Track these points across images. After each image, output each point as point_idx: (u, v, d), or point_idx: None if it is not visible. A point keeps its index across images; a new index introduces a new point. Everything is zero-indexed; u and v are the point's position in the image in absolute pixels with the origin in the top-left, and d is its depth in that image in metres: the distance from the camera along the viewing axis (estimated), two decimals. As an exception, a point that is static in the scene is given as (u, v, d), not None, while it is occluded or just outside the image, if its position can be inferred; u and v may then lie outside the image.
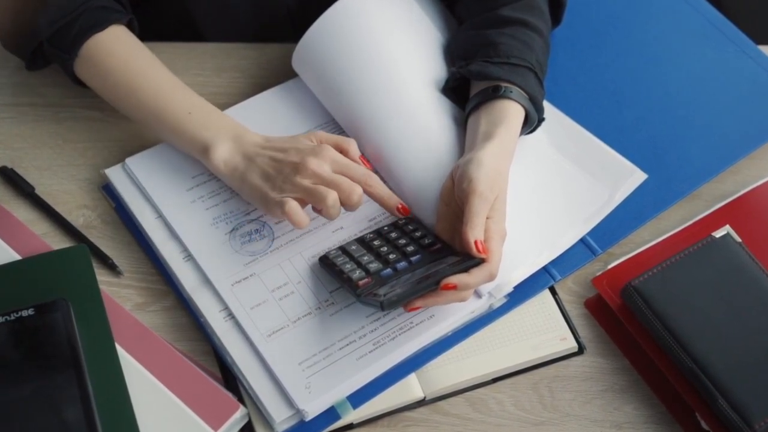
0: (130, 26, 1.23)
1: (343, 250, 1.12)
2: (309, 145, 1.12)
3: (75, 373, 1.02)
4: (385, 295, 1.02)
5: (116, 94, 1.19)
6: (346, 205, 1.10)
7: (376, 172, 1.18)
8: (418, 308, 1.06)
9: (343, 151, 1.13)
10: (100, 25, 1.18)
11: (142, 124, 1.20)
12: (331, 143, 1.14)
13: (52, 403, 1.00)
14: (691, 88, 1.31)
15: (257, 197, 1.12)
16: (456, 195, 1.09)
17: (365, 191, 1.11)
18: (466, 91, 1.19)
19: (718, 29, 1.36)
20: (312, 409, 1.04)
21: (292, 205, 1.09)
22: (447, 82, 1.21)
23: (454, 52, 1.23)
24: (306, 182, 1.09)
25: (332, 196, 1.08)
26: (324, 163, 1.10)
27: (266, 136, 1.16)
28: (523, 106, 1.15)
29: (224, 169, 1.13)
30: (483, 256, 1.04)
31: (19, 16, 1.26)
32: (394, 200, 1.12)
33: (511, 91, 1.14)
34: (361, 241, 1.12)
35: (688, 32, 1.36)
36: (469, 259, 1.05)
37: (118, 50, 1.19)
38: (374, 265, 1.09)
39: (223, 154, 1.14)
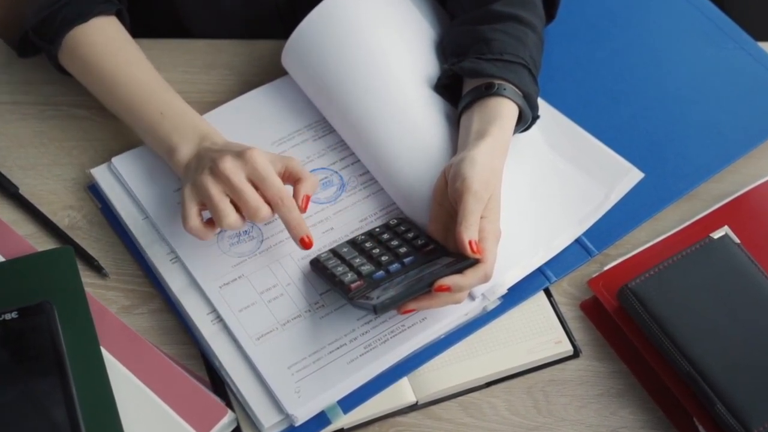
0: (121, 17, 1.23)
1: (334, 252, 1.11)
2: (243, 147, 1.09)
3: (59, 378, 1.01)
4: (377, 298, 1.02)
5: (96, 88, 1.19)
6: (250, 220, 1.07)
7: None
8: (411, 311, 1.05)
9: (296, 182, 1.10)
10: (84, 17, 1.18)
11: (121, 119, 1.20)
12: (294, 173, 1.10)
13: (36, 408, 1.00)
14: (689, 86, 1.31)
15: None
16: (449, 194, 1.09)
17: (276, 211, 1.07)
18: (459, 88, 1.19)
19: (717, 26, 1.36)
20: (301, 414, 1.04)
21: (192, 225, 1.07)
22: (439, 79, 1.21)
23: (446, 49, 1.23)
24: (213, 189, 1.06)
25: (228, 220, 1.06)
26: (240, 169, 1.06)
27: (229, 141, 1.13)
28: (516, 103, 1.14)
29: (183, 172, 1.12)
30: (477, 256, 1.04)
31: (13, 4, 1.27)
32: (301, 230, 1.08)
33: (505, 89, 1.14)
34: (352, 243, 1.12)
35: (686, 28, 1.36)
36: (463, 260, 1.04)
37: (100, 43, 1.19)
38: (366, 268, 1.08)
39: (184, 157, 1.12)
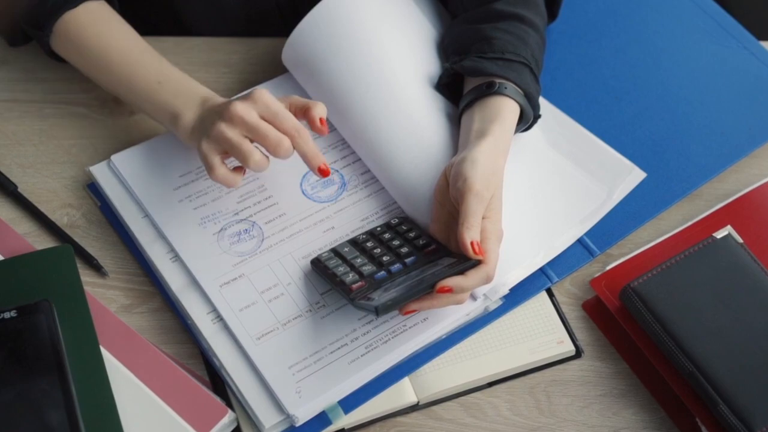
0: (110, 1, 1.24)
1: (335, 252, 1.12)
2: (247, 93, 1.12)
3: (58, 377, 1.01)
4: (379, 299, 1.02)
5: (92, 68, 1.20)
6: (274, 155, 1.10)
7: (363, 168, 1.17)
8: (413, 311, 1.05)
9: (306, 111, 1.12)
10: (73, 2, 1.19)
11: (119, 96, 1.21)
12: (300, 106, 1.13)
13: (35, 408, 1.00)
14: (692, 85, 1.31)
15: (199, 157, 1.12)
16: (451, 194, 1.09)
17: (293, 143, 1.09)
18: (460, 87, 1.19)
19: (720, 24, 1.36)
20: (302, 414, 1.04)
21: (219, 173, 1.09)
22: (440, 78, 1.21)
23: (447, 47, 1.23)
24: (230, 133, 1.08)
25: (255, 158, 1.08)
26: (252, 108, 1.09)
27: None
28: (518, 102, 1.14)
29: (189, 136, 1.14)
30: (479, 257, 1.04)
31: None
32: (318, 159, 1.10)
33: (506, 88, 1.14)
34: (353, 242, 1.12)
35: (688, 27, 1.36)
36: (465, 261, 1.04)
37: (91, 24, 1.20)
38: (368, 268, 1.08)
39: (189, 121, 1.14)
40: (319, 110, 1.12)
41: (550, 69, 1.29)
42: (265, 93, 1.10)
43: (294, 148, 1.09)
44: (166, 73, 1.18)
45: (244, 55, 1.33)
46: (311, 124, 1.12)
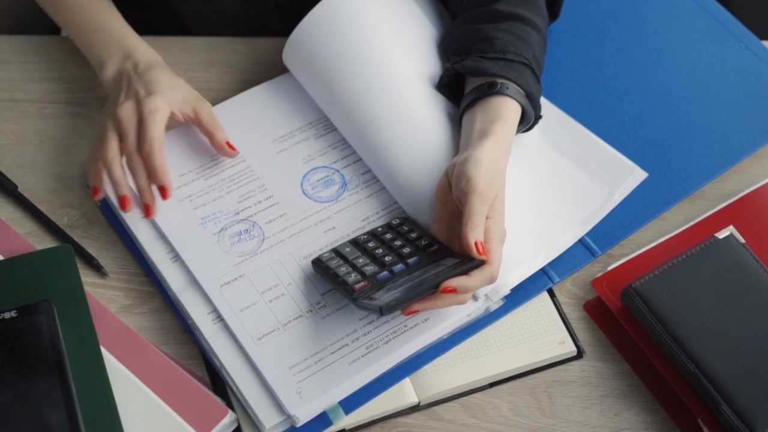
0: None
1: (336, 252, 1.12)
2: (150, 89, 1.16)
3: (59, 377, 1.02)
4: (383, 299, 1.02)
5: (47, 8, 1.26)
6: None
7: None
8: (416, 312, 1.05)
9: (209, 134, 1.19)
10: None
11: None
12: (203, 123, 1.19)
13: (35, 408, 1.00)
14: (694, 85, 1.31)
15: None
16: (453, 195, 1.09)
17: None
18: (461, 87, 1.19)
19: (722, 24, 1.36)
20: (303, 414, 1.04)
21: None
22: (441, 78, 1.21)
23: (448, 48, 1.23)
24: (107, 122, 1.15)
25: (110, 154, 1.14)
26: (132, 120, 1.15)
27: (153, 63, 1.20)
28: (519, 102, 1.14)
29: (108, 89, 1.20)
30: (483, 257, 1.04)
31: None
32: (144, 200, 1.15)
33: (507, 88, 1.14)
34: (354, 243, 1.12)
35: (690, 27, 1.36)
36: (468, 261, 1.04)
37: None
38: (370, 268, 1.08)
39: (108, 75, 1.20)
40: (220, 136, 1.18)
41: (551, 69, 1.28)
42: (154, 112, 1.15)
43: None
44: (104, 22, 1.22)
45: (245, 55, 1.33)
46: (215, 146, 1.19)
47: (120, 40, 1.21)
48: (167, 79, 1.19)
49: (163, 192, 1.13)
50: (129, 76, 1.18)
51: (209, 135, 1.19)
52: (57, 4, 1.24)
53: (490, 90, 1.14)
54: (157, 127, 1.13)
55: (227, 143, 1.18)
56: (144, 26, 1.27)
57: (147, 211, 1.14)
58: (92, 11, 1.23)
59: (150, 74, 1.18)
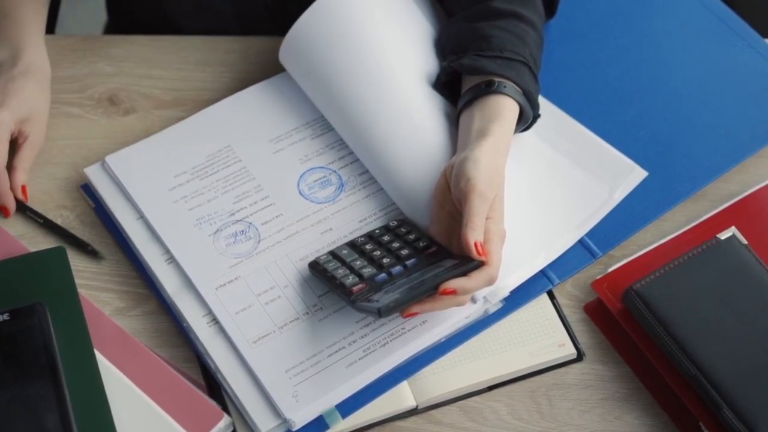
0: None
1: (333, 254, 1.12)
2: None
3: (52, 381, 1.02)
4: (381, 302, 1.02)
5: None
6: None
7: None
8: (415, 314, 1.05)
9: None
10: None
11: None
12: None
13: (28, 412, 1.00)
14: (696, 84, 1.31)
15: None
16: (453, 195, 1.09)
17: None
18: (459, 86, 1.19)
19: (724, 23, 1.36)
20: (299, 418, 1.04)
21: None
22: (438, 76, 1.21)
23: (445, 46, 1.23)
24: None
25: None
26: None
27: (31, 69, 1.21)
28: (517, 101, 1.14)
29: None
30: (483, 258, 1.04)
31: None
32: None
33: (505, 86, 1.14)
34: (352, 245, 1.12)
35: (693, 25, 1.36)
36: (467, 262, 1.04)
37: None
38: (368, 270, 1.08)
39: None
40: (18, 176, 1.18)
41: (552, 68, 1.28)
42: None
43: None
44: (16, 9, 1.22)
45: (241, 54, 1.33)
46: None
47: (19, 33, 1.22)
48: (29, 89, 1.20)
49: (4, 211, 1.17)
50: (2, 75, 1.20)
51: (12, 167, 1.19)
52: None
53: (488, 89, 1.14)
54: None
55: (22, 187, 1.19)
56: (134, 26, 1.27)
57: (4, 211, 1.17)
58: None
59: (16, 81, 1.20)
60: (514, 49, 1.17)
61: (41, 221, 1.17)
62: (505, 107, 1.13)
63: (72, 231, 1.17)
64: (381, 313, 1.00)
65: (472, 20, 1.21)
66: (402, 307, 1.03)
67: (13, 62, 1.21)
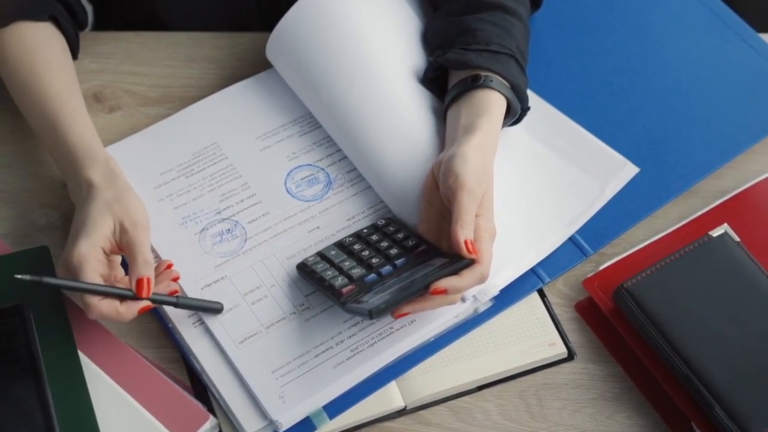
0: (58, 24, 1.20)
1: (321, 255, 1.11)
2: (68, 245, 1.06)
3: (35, 383, 1.01)
4: (372, 303, 1.02)
5: (14, 98, 1.18)
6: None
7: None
8: (406, 314, 1.05)
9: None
10: (3, 21, 1.17)
11: None
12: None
13: (11, 414, 1.00)
14: (689, 79, 1.30)
15: None
16: (441, 192, 1.08)
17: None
18: (446, 81, 1.19)
19: (718, 17, 1.35)
20: (286, 419, 1.04)
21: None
22: (425, 72, 1.20)
23: (431, 41, 1.23)
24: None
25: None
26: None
27: (92, 185, 1.09)
28: (504, 95, 1.14)
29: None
30: (473, 256, 1.04)
31: None
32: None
33: (492, 80, 1.13)
34: (340, 245, 1.12)
35: (686, 20, 1.36)
36: (457, 261, 1.04)
37: (11, 50, 1.17)
38: (357, 271, 1.08)
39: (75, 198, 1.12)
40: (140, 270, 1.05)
41: (544, 63, 1.28)
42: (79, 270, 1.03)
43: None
44: (59, 143, 1.13)
45: (228, 51, 1.32)
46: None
47: (74, 168, 1.11)
48: (95, 210, 1.07)
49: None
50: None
51: (130, 261, 1.06)
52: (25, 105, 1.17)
53: (474, 83, 1.13)
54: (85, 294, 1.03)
55: (147, 280, 1.04)
56: (121, 23, 1.26)
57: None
58: (46, 128, 1.14)
59: (82, 210, 1.08)
60: (501, 41, 1.16)
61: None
62: (493, 101, 1.13)
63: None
64: (372, 315, 1.00)
65: (457, 13, 1.20)
66: (393, 308, 1.03)
67: (76, 191, 1.11)
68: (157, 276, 1.06)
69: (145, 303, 1.04)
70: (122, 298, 1.03)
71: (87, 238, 1.04)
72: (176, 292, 1.07)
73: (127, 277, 1.06)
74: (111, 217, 1.06)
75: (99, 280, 1.03)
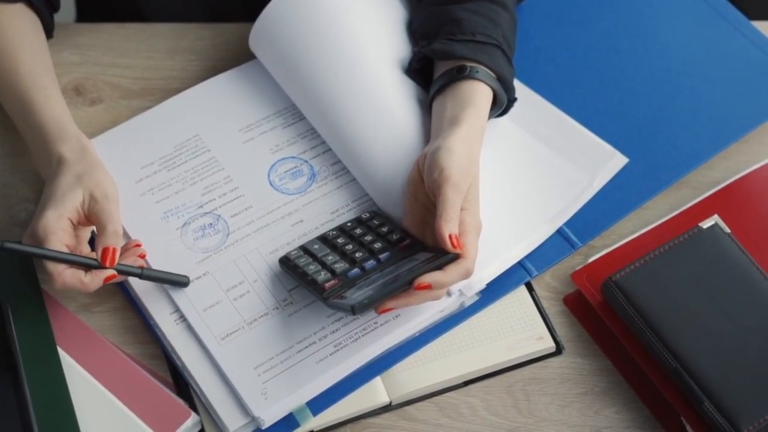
0: (34, 7, 1.20)
1: (304, 249, 1.11)
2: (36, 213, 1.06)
3: (12, 380, 1.01)
4: (355, 298, 1.01)
5: None
6: None
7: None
8: (390, 310, 1.04)
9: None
10: None
11: None
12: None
13: (-12, 412, 0.99)
14: (680, 68, 1.30)
15: None
16: (426, 186, 1.08)
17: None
18: (431, 71, 1.18)
19: (709, 4, 1.35)
20: (268, 416, 1.03)
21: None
22: (410, 63, 1.20)
23: (416, 31, 1.22)
24: None
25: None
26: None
27: (63, 160, 1.09)
28: (490, 86, 1.13)
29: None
30: (458, 251, 1.03)
31: None
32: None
33: (477, 71, 1.13)
34: (323, 239, 1.11)
35: (677, 8, 1.35)
36: (442, 255, 1.04)
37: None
38: (340, 265, 1.07)
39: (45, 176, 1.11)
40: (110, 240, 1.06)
41: (532, 53, 1.28)
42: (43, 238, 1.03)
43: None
44: (30, 120, 1.13)
45: (210, 42, 1.32)
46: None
47: (46, 146, 1.11)
48: (64, 182, 1.07)
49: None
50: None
51: (99, 230, 1.06)
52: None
53: (460, 74, 1.13)
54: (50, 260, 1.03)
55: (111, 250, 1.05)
56: (103, 14, 1.26)
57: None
58: (20, 107, 1.14)
59: (52, 182, 1.08)
60: (486, 31, 1.16)
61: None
62: (478, 93, 1.12)
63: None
64: (355, 310, 1.00)
65: (441, 3, 1.20)
66: (376, 304, 1.02)
67: (53, 163, 1.11)
68: (124, 252, 1.07)
69: (110, 272, 1.04)
70: (87, 267, 1.03)
71: (54, 208, 1.05)
72: (142, 266, 1.08)
73: (93, 253, 1.05)
74: (81, 188, 1.06)
75: (65, 251, 1.03)
